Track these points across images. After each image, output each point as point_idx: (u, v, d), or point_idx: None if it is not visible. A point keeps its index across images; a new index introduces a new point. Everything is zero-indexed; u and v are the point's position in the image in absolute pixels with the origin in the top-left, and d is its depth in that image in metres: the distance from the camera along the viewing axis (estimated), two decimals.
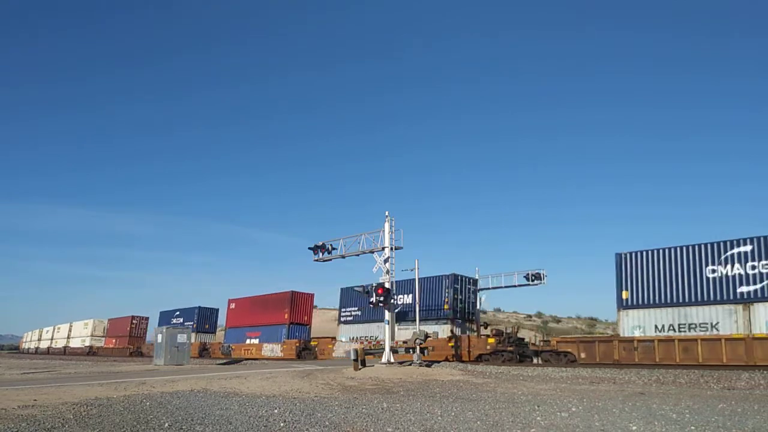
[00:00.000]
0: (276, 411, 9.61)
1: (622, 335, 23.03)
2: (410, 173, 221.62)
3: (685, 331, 21.60)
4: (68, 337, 64.58)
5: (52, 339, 69.33)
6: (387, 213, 23.23)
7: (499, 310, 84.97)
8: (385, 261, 22.95)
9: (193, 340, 37.45)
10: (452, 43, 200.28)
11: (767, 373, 15.71)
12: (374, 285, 22.81)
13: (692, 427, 7.95)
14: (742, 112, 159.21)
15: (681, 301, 22.03)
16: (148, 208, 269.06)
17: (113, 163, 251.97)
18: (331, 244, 25.32)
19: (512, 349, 24.69)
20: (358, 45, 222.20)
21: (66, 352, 60.81)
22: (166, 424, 8.04)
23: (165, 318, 54.23)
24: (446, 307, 28.78)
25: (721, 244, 21.62)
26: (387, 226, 23.20)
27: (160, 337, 26.46)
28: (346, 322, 36.38)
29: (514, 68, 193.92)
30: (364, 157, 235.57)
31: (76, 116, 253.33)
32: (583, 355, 23.28)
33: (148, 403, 10.32)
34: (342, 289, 36.95)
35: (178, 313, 52.45)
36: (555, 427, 8.09)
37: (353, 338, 35.03)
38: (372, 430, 7.90)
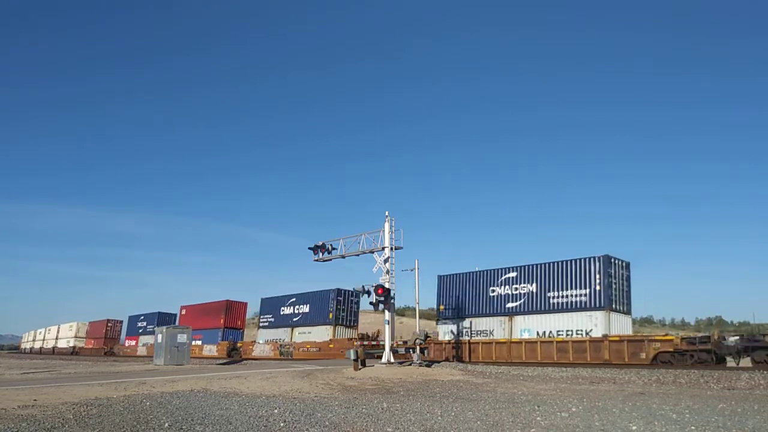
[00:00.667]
0: (276, 411, 9.60)
1: (437, 339, 30.00)
2: (410, 173, 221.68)
3: (475, 336, 28.32)
4: (56, 338, 68.14)
5: (44, 340, 72.68)
6: (387, 213, 23.22)
7: None
8: (385, 261, 22.92)
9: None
10: (452, 43, 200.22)
11: (767, 373, 15.73)
12: (374, 285, 22.78)
13: (692, 427, 7.95)
14: (743, 112, 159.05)
15: (474, 313, 28.91)
16: (148, 208, 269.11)
17: (113, 163, 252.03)
18: (331, 244, 25.30)
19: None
20: (359, 45, 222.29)
21: (54, 351, 64.59)
22: (166, 424, 8.04)
23: (132, 322, 58.58)
24: (330, 315, 35.84)
25: (499, 270, 28.27)
26: (387, 226, 23.18)
27: (160, 337, 26.39)
28: (263, 327, 41.86)
29: (515, 68, 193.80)
30: (364, 157, 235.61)
31: (76, 116, 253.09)
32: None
33: (148, 403, 10.32)
34: (262, 299, 42.60)
35: (142, 317, 56.48)
36: (555, 427, 8.09)
37: (267, 341, 40.42)
38: (372, 430, 7.90)
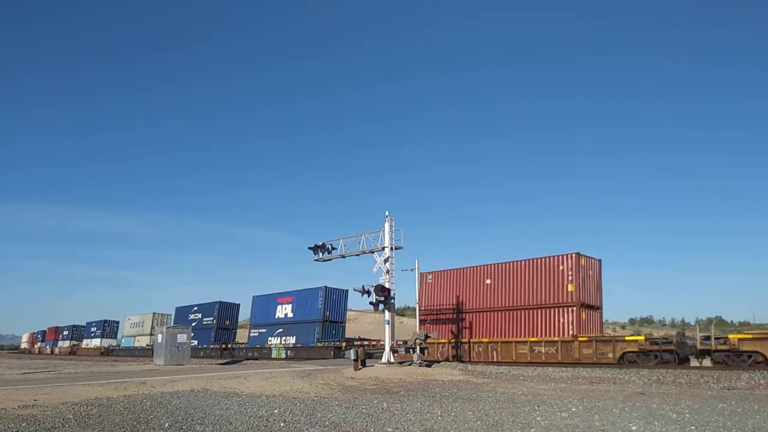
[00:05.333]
0: (276, 411, 9.61)
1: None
2: (410, 173, 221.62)
3: None
4: (22, 342, 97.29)
5: (25, 342, 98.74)
6: (387, 213, 23.23)
7: None
8: (385, 261, 22.93)
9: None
10: (453, 41, 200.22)
11: (767, 373, 15.74)
12: (374, 285, 22.77)
13: (692, 427, 7.95)
14: (744, 109, 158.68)
15: None
16: (147, 207, 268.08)
17: (113, 162, 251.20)
18: (331, 244, 25.30)
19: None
20: (358, 44, 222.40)
21: (23, 351, 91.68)
22: (166, 424, 8.04)
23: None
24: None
25: None
26: (387, 226, 23.18)
27: (160, 337, 26.39)
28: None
29: (515, 67, 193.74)
30: (364, 157, 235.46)
31: (76, 116, 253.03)
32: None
33: (148, 403, 10.33)
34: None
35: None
36: (555, 427, 8.09)
37: None
38: (372, 430, 7.90)
